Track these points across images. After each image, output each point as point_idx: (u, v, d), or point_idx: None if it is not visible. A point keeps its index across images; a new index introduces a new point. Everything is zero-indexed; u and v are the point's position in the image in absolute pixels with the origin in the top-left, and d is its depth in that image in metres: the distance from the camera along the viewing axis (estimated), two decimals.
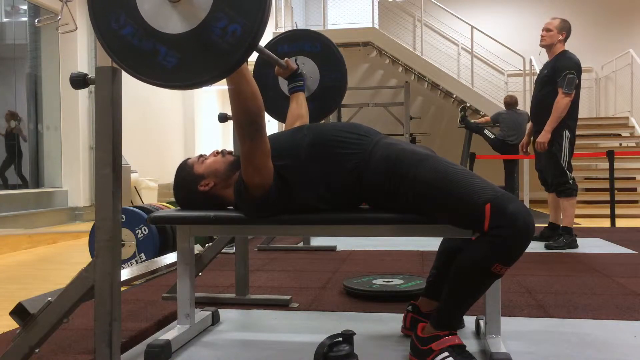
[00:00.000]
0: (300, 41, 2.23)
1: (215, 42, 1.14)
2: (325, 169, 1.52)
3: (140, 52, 1.19)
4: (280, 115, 2.16)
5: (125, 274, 1.73)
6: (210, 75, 1.16)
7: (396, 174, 1.46)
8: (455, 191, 1.38)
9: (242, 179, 1.49)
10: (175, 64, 1.17)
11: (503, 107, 7.28)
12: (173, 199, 1.91)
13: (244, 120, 1.40)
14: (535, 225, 1.39)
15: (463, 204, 1.37)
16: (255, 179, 1.47)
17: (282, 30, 8.76)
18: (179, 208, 1.73)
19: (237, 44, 1.14)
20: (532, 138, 3.90)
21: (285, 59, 2.03)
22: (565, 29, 3.72)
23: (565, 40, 3.72)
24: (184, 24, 1.17)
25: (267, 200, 1.49)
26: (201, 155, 1.71)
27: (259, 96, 1.40)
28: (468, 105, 8.27)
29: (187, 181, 1.67)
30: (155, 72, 1.19)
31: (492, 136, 6.99)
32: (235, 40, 1.13)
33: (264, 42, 1.70)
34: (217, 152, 1.71)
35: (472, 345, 1.60)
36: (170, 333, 1.64)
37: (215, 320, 1.91)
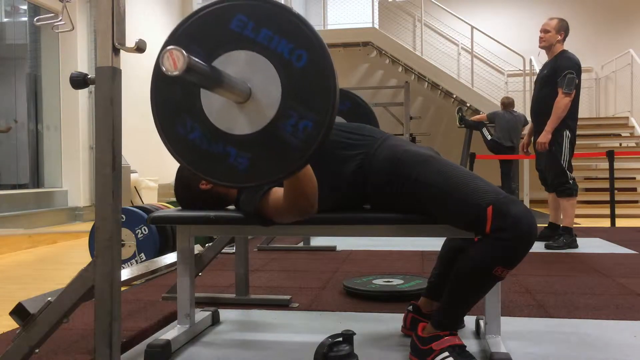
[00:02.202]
0: None
1: (287, 139, 1.14)
2: (329, 169, 1.51)
3: (210, 155, 1.19)
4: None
5: (125, 274, 1.73)
6: (285, 172, 1.17)
7: (399, 175, 1.46)
8: (458, 193, 1.37)
9: (260, 207, 1.44)
10: (248, 164, 1.17)
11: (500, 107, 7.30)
12: (173, 199, 1.91)
13: (305, 204, 1.37)
14: None
15: (465, 206, 1.36)
16: (275, 219, 1.46)
17: None
18: (179, 208, 1.73)
19: (310, 140, 1.13)
20: (532, 138, 3.90)
21: None
22: (563, 28, 3.71)
23: (563, 40, 3.72)
24: (253, 124, 1.16)
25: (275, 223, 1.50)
26: None
27: (314, 178, 1.37)
28: (467, 105, 8.28)
29: (189, 180, 1.67)
30: (227, 175, 1.19)
31: (489, 137, 7.01)
32: (307, 136, 1.13)
33: None
34: None
35: (472, 345, 1.60)
36: (170, 333, 1.64)
37: (215, 320, 1.91)
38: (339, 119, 2.23)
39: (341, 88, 2.34)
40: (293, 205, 1.38)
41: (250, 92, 1.17)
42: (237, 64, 1.18)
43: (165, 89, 1.24)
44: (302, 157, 1.15)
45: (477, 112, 8.67)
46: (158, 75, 1.24)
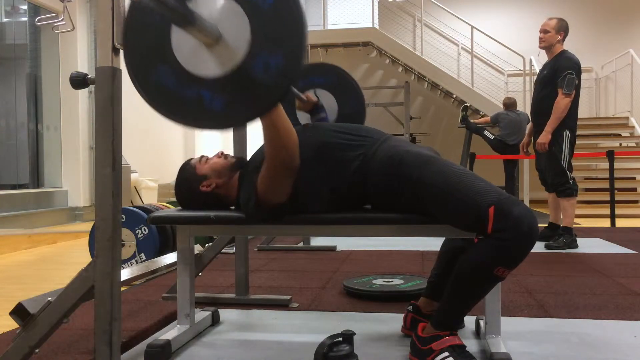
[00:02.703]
0: (313, 75, 2.26)
1: (259, 77, 1.14)
2: (329, 170, 1.52)
3: (185, 100, 1.19)
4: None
5: (125, 274, 1.73)
6: (260, 110, 1.17)
7: (400, 175, 1.46)
8: (459, 194, 1.37)
9: (255, 192, 1.47)
10: (223, 106, 1.17)
11: (502, 108, 7.29)
12: (173, 199, 1.92)
13: (285, 155, 1.39)
14: None
15: (467, 206, 1.35)
16: (271, 198, 1.46)
17: None
18: (179, 208, 1.74)
19: (282, 76, 1.14)
20: (532, 138, 3.90)
21: (305, 92, 2.05)
22: (562, 28, 3.71)
23: (563, 40, 3.71)
24: (225, 65, 1.17)
25: (275, 212, 1.50)
26: (203, 156, 1.71)
27: (294, 131, 1.39)
28: (468, 105, 8.28)
29: (189, 181, 1.67)
30: (205, 119, 1.19)
31: (492, 137, 7.00)
32: (279, 72, 1.14)
33: None
34: (221, 154, 1.71)
35: (472, 345, 1.60)
36: (170, 333, 1.65)
37: (215, 320, 1.91)
38: (327, 96, 2.22)
39: (325, 63, 2.34)
40: (274, 158, 1.40)
41: (219, 33, 1.17)
42: (205, 6, 1.19)
43: (137, 35, 1.24)
44: (276, 94, 1.16)
45: (477, 112, 8.67)
46: (129, 22, 1.24)
